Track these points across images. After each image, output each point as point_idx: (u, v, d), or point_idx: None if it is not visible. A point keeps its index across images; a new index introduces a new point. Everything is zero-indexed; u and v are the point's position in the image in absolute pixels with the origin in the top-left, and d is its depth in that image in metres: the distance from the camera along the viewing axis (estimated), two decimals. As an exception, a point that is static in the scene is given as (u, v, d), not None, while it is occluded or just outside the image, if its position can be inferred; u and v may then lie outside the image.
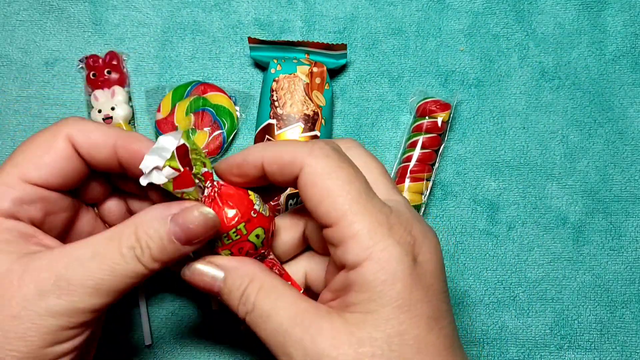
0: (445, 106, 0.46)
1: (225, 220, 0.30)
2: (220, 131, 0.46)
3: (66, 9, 0.49)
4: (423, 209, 0.45)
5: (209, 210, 0.29)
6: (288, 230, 0.34)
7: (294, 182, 0.30)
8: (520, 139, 0.48)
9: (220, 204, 0.30)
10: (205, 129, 0.46)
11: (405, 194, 0.45)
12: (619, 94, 0.49)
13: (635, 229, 0.47)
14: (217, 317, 0.45)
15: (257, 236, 0.31)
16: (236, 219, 0.30)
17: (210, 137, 0.46)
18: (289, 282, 0.31)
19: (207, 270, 0.30)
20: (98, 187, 0.34)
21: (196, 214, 0.28)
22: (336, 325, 0.27)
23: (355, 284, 0.27)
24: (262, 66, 0.48)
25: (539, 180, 0.47)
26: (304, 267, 0.35)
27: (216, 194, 0.30)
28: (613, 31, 0.50)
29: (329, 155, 0.29)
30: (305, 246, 0.35)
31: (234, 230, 0.30)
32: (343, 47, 0.46)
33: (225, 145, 0.47)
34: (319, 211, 0.28)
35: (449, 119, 0.46)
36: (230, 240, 0.30)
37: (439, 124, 0.45)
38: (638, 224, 0.47)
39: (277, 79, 0.45)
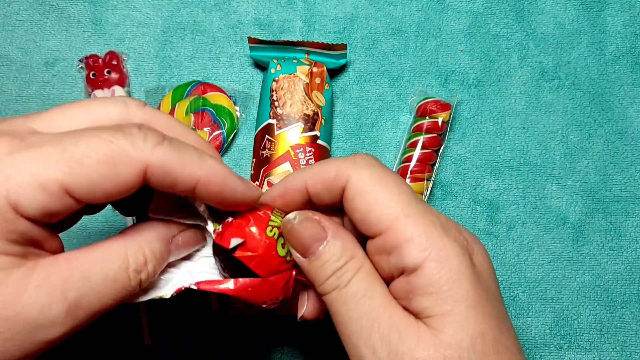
0: (445, 106, 0.46)
1: (261, 217, 0.29)
2: (220, 131, 0.46)
3: (66, 9, 0.49)
4: (423, 209, 0.45)
5: (196, 231, 0.29)
6: None
7: (340, 199, 0.29)
8: (520, 139, 0.48)
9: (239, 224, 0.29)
10: (205, 128, 0.46)
11: (405, 194, 0.45)
12: (619, 94, 0.49)
13: (635, 229, 0.47)
14: (217, 317, 0.45)
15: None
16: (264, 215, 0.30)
17: (210, 137, 0.46)
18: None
19: (314, 227, 0.28)
20: None
21: (190, 234, 0.29)
22: (421, 328, 0.26)
23: (420, 286, 0.26)
24: (262, 66, 0.48)
25: (539, 180, 0.47)
26: None
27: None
28: (613, 31, 0.50)
29: (373, 164, 0.28)
30: None
31: (275, 211, 0.30)
32: (343, 47, 0.46)
33: (225, 145, 0.47)
34: (370, 219, 0.27)
35: (449, 119, 0.46)
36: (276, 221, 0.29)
37: (439, 124, 0.45)
38: (638, 224, 0.47)
39: (277, 79, 0.45)
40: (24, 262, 0.24)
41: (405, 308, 0.27)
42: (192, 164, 0.26)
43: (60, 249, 0.27)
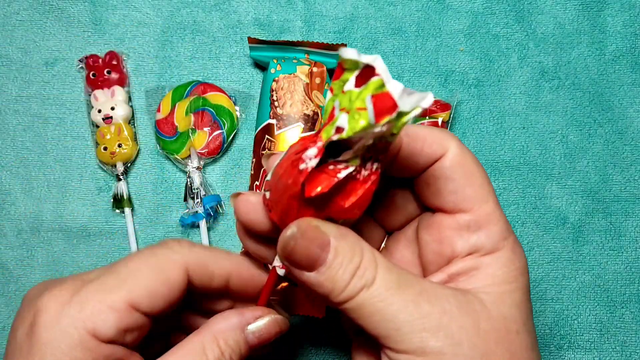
0: (445, 106, 0.46)
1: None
2: (220, 131, 0.46)
3: (66, 9, 0.49)
4: (423, 209, 0.45)
5: (277, 317, 0.30)
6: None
7: (422, 165, 0.28)
8: (520, 139, 0.48)
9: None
10: (205, 128, 0.46)
11: (405, 194, 0.45)
12: (619, 94, 0.49)
13: (635, 229, 0.47)
14: (217, 317, 0.45)
15: None
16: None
17: (210, 137, 0.46)
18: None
19: (317, 235, 0.25)
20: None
21: (270, 321, 0.30)
22: (472, 304, 0.26)
23: (490, 266, 0.27)
24: (262, 66, 0.48)
25: (539, 180, 0.47)
26: None
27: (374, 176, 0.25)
28: (613, 31, 0.50)
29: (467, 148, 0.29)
30: None
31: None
32: (343, 47, 0.46)
33: (225, 145, 0.47)
34: (465, 193, 0.27)
35: (449, 119, 0.46)
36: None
37: (439, 124, 0.45)
38: (638, 224, 0.47)
39: (277, 79, 0.45)
40: None
41: (453, 281, 0.28)
42: (223, 258, 0.30)
43: None
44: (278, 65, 0.45)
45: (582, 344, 0.45)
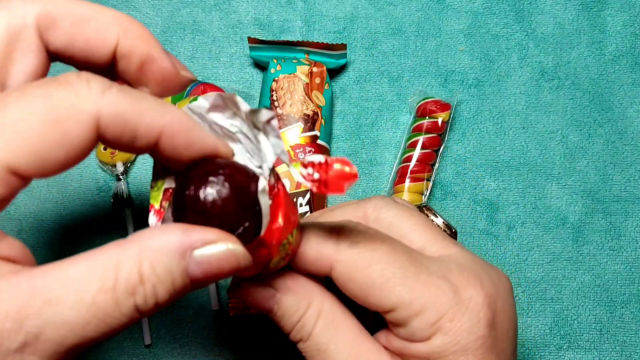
0: (445, 106, 0.46)
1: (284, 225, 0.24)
2: (220, 131, 0.46)
3: (66, 9, 0.49)
4: (423, 209, 0.45)
5: (236, 246, 0.21)
6: None
7: (321, 275, 0.28)
8: (520, 139, 0.48)
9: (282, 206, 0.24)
10: (205, 129, 0.46)
11: (405, 194, 0.45)
12: (619, 94, 0.49)
13: (634, 229, 0.47)
14: (217, 317, 0.45)
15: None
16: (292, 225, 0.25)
17: (210, 137, 0.46)
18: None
19: (258, 290, 0.27)
20: None
21: (224, 250, 0.21)
22: None
23: (423, 353, 0.26)
24: (261, 66, 0.48)
25: (539, 180, 0.48)
26: None
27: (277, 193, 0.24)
28: (613, 31, 0.50)
29: (358, 242, 0.26)
30: None
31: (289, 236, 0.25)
32: (343, 47, 0.46)
33: (225, 145, 0.47)
34: (370, 303, 0.26)
35: (449, 119, 0.46)
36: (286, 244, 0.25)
37: (439, 124, 0.45)
38: (638, 224, 0.47)
39: (276, 79, 0.45)
40: None
41: (395, 347, 0.27)
42: (152, 110, 0.21)
43: (20, 252, 0.21)
44: (278, 65, 0.45)
45: (582, 344, 0.45)
